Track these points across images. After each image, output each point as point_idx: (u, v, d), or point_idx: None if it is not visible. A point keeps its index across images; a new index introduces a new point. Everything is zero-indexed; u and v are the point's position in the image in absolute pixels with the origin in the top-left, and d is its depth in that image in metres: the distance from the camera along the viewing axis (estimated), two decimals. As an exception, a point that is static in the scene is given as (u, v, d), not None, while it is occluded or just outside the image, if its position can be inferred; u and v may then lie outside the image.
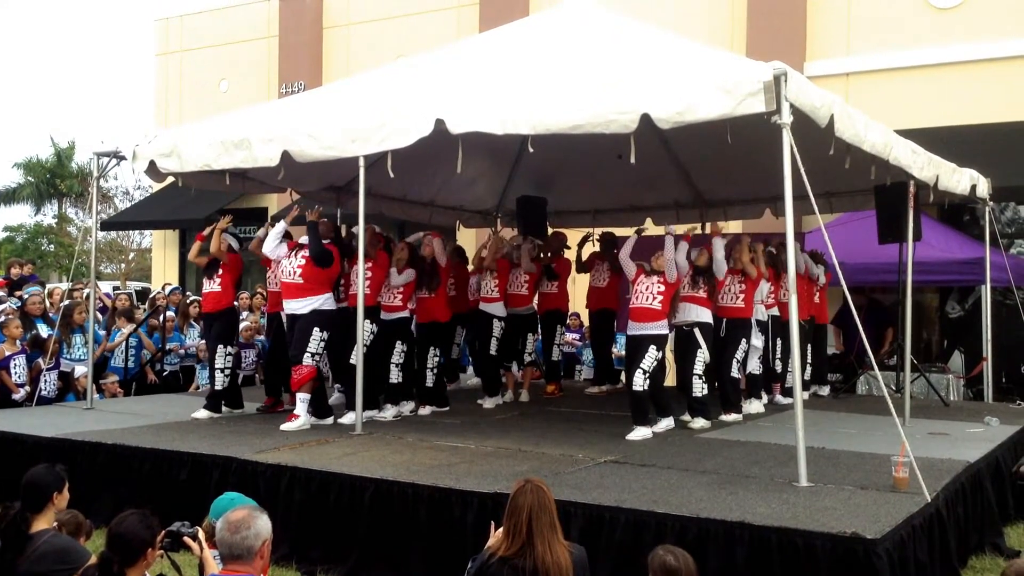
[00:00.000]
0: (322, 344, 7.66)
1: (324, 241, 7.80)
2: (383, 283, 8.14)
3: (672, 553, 3.60)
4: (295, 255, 7.76)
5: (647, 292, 7.26)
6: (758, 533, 4.51)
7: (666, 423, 7.46)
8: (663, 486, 5.38)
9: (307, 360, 7.57)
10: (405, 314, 8.28)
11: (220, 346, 8.31)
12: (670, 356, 9.08)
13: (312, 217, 7.82)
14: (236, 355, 9.50)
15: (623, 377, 10.42)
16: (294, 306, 7.73)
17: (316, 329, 7.60)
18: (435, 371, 8.52)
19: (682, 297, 7.71)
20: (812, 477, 5.44)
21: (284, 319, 8.25)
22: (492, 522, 4.15)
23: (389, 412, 8.14)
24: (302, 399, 7.57)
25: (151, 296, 13.22)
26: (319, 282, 7.68)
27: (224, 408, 8.39)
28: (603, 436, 7.15)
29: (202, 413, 8.16)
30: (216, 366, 8.28)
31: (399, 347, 8.21)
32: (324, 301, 7.71)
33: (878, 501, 5.01)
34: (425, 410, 8.48)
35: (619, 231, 11.83)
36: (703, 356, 7.64)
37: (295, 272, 7.68)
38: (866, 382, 10.84)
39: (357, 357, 7.21)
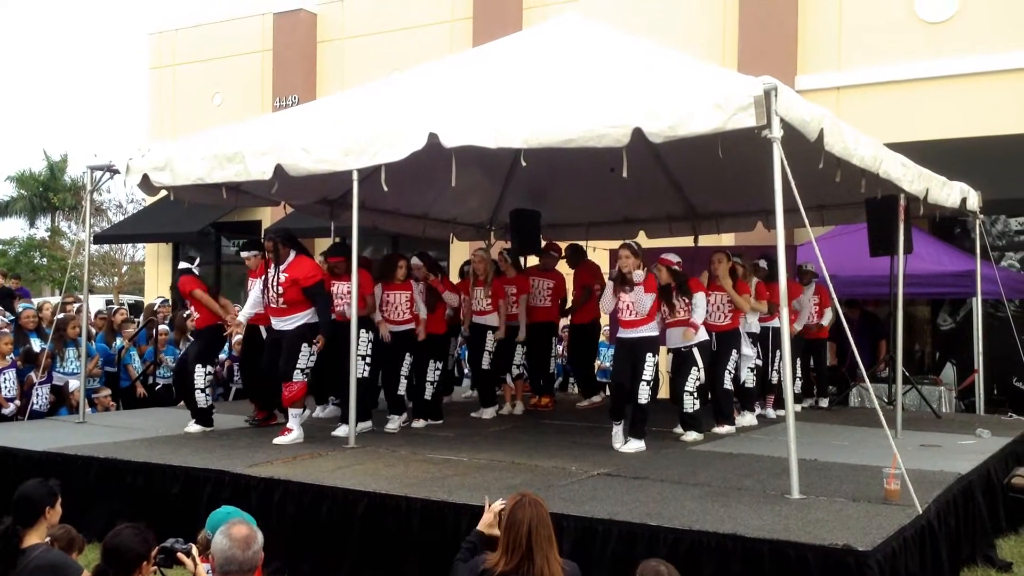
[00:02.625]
0: (312, 358, 7.62)
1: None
2: (370, 294, 8.17)
3: (666, 565, 3.62)
4: (273, 285, 7.58)
5: (630, 309, 7.30)
6: (750, 545, 4.52)
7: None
8: (656, 499, 5.39)
9: (297, 376, 7.52)
10: (412, 326, 8.34)
11: (199, 365, 8.15)
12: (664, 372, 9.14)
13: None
14: (228, 368, 9.54)
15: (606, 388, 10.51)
16: (281, 324, 7.67)
17: (304, 344, 7.56)
18: (435, 384, 8.55)
19: (672, 323, 7.73)
20: (804, 489, 5.45)
21: (264, 332, 8.25)
22: (487, 497, 4.26)
23: (395, 423, 8.21)
24: (294, 414, 7.56)
25: (150, 307, 13.16)
26: (303, 301, 7.60)
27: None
28: (596, 448, 7.16)
29: (194, 427, 8.11)
30: (197, 386, 8.11)
31: (408, 359, 8.29)
32: (311, 315, 7.63)
33: (870, 513, 5.02)
34: (419, 423, 8.48)
35: (612, 244, 11.92)
36: (697, 374, 7.66)
37: (279, 300, 7.57)
38: (858, 394, 10.87)
39: (351, 370, 7.22)
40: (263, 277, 7.75)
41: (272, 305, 7.66)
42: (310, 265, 7.73)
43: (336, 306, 7.99)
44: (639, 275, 7.18)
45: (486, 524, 4.11)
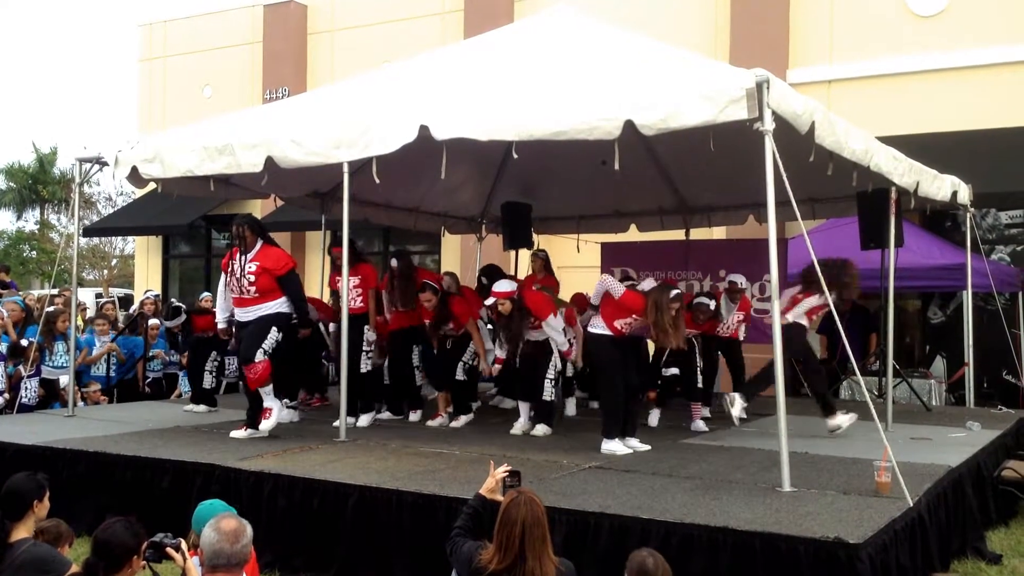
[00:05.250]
0: (275, 343, 7.42)
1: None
2: (370, 291, 8.28)
3: (653, 556, 3.62)
4: (243, 273, 7.32)
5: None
6: (741, 538, 4.52)
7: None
8: (647, 492, 5.39)
9: (260, 356, 7.27)
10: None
11: (213, 352, 9.03)
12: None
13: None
14: (220, 362, 9.60)
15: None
16: (248, 315, 7.39)
17: (274, 328, 7.37)
18: (419, 370, 8.76)
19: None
20: (795, 482, 5.46)
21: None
22: (491, 462, 4.37)
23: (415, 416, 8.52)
24: (267, 392, 7.36)
25: (141, 301, 13.11)
26: (274, 289, 7.41)
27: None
28: (588, 442, 7.15)
29: (200, 407, 8.75)
30: (204, 368, 9.08)
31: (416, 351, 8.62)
32: (280, 305, 7.44)
33: (860, 506, 5.03)
34: (415, 415, 8.56)
35: (603, 237, 11.93)
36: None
37: (249, 290, 7.31)
38: (849, 387, 10.89)
39: (342, 365, 7.20)
40: (229, 269, 7.49)
41: (242, 296, 7.37)
42: (280, 253, 7.51)
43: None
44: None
45: (488, 489, 4.15)
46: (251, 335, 7.34)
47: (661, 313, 6.65)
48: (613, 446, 6.75)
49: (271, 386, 7.41)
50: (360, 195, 9.57)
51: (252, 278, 7.30)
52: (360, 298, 8.24)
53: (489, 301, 7.75)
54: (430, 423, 8.31)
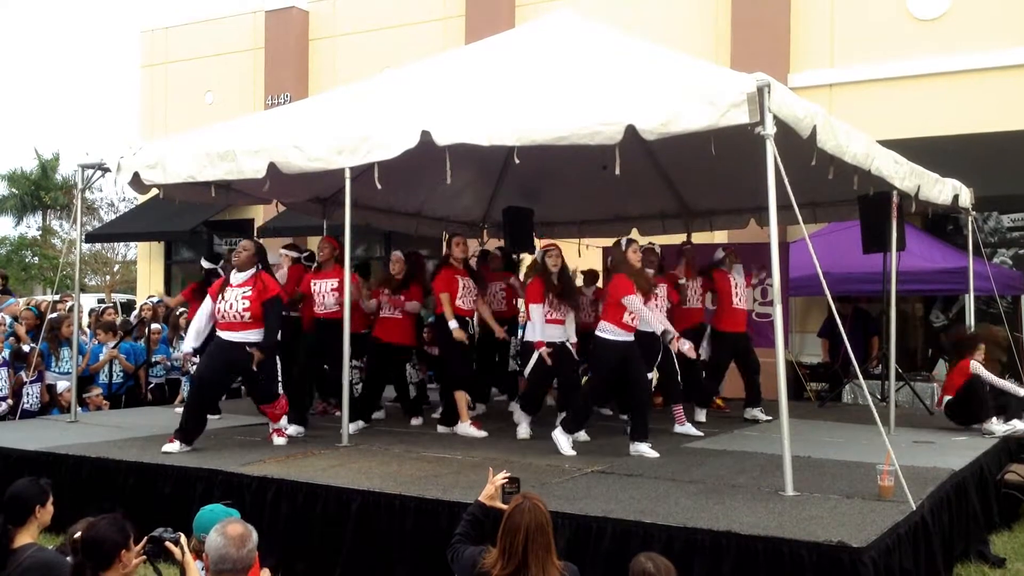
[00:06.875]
0: (281, 370, 7.61)
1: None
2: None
3: (652, 560, 3.59)
4: (235, 298, 7.05)
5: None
6: (745, 542, 4.52)
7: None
8: (650, 496, 5.39)
9: (279, 390, 7.55)
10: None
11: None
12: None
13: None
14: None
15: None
16: (236, 337, 7.07)
17: (277, 359, 7.60)
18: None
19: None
20: (798, 486, 5.46)
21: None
22: (491, 468, 4.32)
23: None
24: (285, 425, 7.52)
25: (142, 306, 13.14)
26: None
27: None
28: (590, 446, 7.16)
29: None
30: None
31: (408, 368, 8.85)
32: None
33: (864, 510, 5.03)
34: (417, 420, 8.56)
35: (605, 241, 11.93)
36: None
37: (242, 315, 7.03)
38: (851, 391, 10.89)
39: (344, 371, 7.20)
40: (220, 295, 7.14)
41: (233, 321, 7.07)
42: (273, 281, 7.32)
43: (316, 305, 8.12)
44: None
45: (487, 496, 4.12)
46: (265, 372, 7.22)
47: (622, 262, 6.97)
48: (562, 439, 6.86)
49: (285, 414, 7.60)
50: (362, 200, 9.58)
51: (247, 303, 7.04)
52: (338, 304, 7.86)
53: (545, 241, 7.88)
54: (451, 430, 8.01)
